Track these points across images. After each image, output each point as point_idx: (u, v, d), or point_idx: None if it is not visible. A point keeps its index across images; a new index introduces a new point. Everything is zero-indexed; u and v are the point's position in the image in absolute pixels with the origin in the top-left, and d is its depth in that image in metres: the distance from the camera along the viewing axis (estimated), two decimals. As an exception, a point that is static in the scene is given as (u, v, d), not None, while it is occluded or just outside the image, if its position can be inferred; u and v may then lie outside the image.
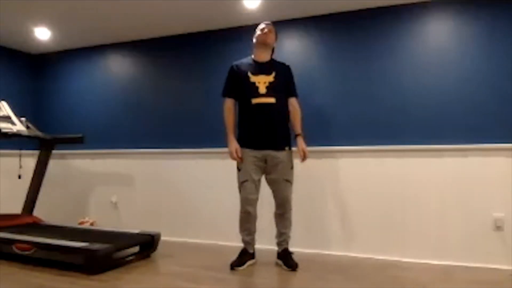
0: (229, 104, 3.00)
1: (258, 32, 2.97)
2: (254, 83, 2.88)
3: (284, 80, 2.95)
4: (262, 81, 2.87)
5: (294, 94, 3.02)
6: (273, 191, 2.94)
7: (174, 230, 3.90)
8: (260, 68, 2.93)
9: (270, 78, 2.89)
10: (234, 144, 2.92)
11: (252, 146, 2.89)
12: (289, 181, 2.91)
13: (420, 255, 3.13)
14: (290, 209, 2.96)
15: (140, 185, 4.16)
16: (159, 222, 3.96)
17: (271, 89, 2.86)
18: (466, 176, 3.07)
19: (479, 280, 2.68)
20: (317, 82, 3.50)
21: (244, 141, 2.92)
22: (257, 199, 2.92)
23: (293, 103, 3.01)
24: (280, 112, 2.92)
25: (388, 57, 3.32)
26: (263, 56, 2.97)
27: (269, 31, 2.95)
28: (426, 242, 3.13)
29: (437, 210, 3.12)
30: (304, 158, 2.94)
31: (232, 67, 3.01)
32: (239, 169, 2.93)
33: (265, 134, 2.87)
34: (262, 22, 3.03)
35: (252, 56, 3.01)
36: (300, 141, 2.97)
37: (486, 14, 3.08)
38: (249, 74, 2.91)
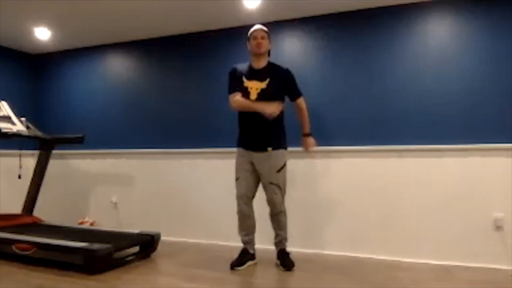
0: (237, 96, 2.92)
1: (251, 41, 2.94)
2: (246, 88, 2.91)
3: (280, 86, 2.93)
4: (254, 87, 2.90)
5: (298, 95, 3.02)
6: (265, 194, 2.97)
7: (174, 230, 3.90)
8: (255, 74, 2.93)
9: (263, 85, 2.89)
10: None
11: (243, 146, 2.98)
12: (274, 184, 2.88)
13: (420, 255, 3.13)
14: (281, 212, 2.94)
15: (140, 185, 4.15)
16: (159, 222, 3.96)
17: (262, 96, 2.87)
18: (466, 176, 3.06)
19: (479, 280, 2.68)
20: (316, 82, 3.50)
21: (239, 141, 3.02)
22: (249, 197, 2.95)
23: (299, 103, 3.02)
24: (267, 119, 2.84)
25: (388, 57, 3.32)
26: (259, 63, 2.97)
27: (262, 38, 2.92)
28: (426, 242, 3.13)
29: (437, 210, 3.12)
30: (307, 148, 3.03)
31: (233, 68, 3.02)
32: (236, 167, 2.99)
33: (250, 137, 2.94)
34: (256, 23, 3.02)
35: (249, 62, 3.01)
36: (309, 138, 3.04)
37: (486, 14, 3.08)
38: (244, 78, 2.94)
